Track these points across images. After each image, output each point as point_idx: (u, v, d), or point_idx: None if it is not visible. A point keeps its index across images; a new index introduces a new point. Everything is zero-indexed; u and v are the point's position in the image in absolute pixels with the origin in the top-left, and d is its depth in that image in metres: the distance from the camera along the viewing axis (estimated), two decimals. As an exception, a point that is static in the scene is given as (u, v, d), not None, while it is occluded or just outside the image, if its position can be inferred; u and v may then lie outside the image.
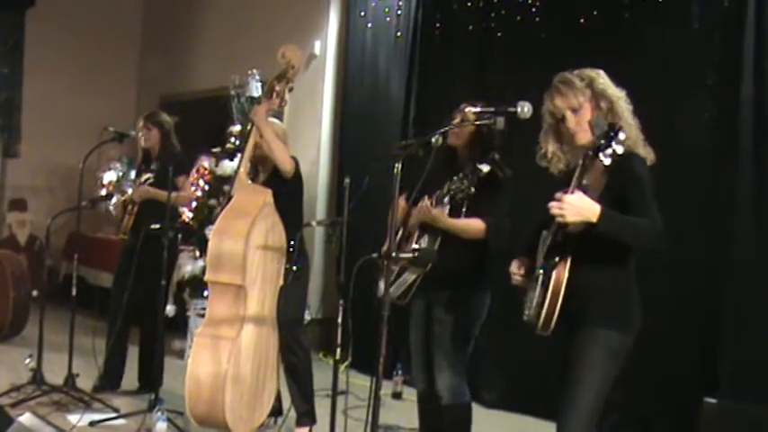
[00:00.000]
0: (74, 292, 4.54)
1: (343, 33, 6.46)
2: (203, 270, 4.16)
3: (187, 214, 5.84)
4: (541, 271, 2.50)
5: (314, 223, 4.78)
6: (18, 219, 7.75)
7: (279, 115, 4.70)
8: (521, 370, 4.80)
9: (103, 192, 6.28)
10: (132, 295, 4.41)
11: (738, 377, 3.95)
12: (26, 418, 3.14)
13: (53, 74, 7.87)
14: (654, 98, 4.16)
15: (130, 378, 4.74)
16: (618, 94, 2.55)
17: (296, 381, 3.86)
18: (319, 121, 6.51)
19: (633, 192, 2.42)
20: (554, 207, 2.35)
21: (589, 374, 2.44)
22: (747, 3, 4.07)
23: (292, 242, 3.67)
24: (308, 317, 4.57)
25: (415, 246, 3.17)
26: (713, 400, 3.87)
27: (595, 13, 4.71)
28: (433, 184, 3.14)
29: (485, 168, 2.97)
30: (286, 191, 3.76)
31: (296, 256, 3.70)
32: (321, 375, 4.15)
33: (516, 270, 2.71)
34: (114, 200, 4.98)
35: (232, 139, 5.85)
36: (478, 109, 2.96)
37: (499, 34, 5.24)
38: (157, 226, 4.16)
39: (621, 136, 2.31)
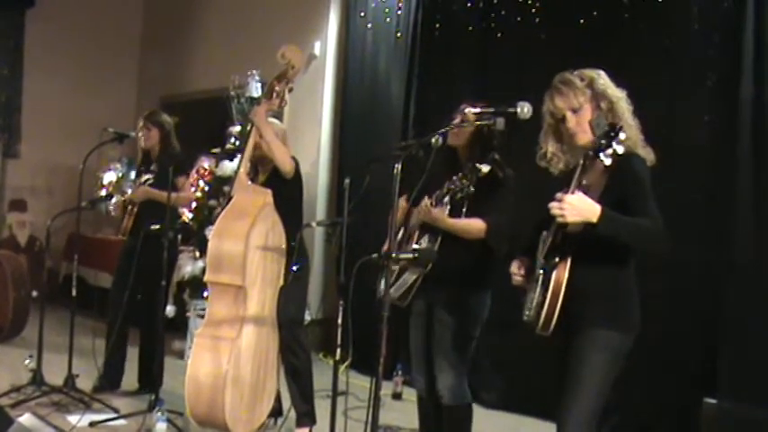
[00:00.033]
0: (74, 292, 4.54)
1: (343, 34, 6.46)
2: (203, 271, 4.16)
3: (187, 215, 5.84)
4: (541, 271, 2.50)
5: (314, 224, 4.78)
6: (18, 219, 7.74)
7: (279, 116, 4.70)
8: (520, 370, 4.80)
9: (103, 192, 6.27)
10: (132, 296, 4.41)
11: (738, 377, 3.95)
12: (26, 419, 3.13)
13: (53, 74, 7.87)
14: (654, 98, 4.16)
15: (130, 379, 4.74)
16: (618, 95, 2.55)
17: (296, 381, 3.86)
18: (319, 121, 6.51)
19: (633, 192, 2.42)
20: (554, 207, 2.35)
21: (589, 375, 2.44)
22: (747, 3, 4.07)
23: (292, 243, 3.67)
24: (308, 317, 4.57)
25: (415, 246, 3.17)
26: (713, 401, 3.87)
27: (595, 13, 4.71)
28: (434, 184, 3.14)
29: (484, 168, 2.97)
30: (286, 191, 3.76)
31: (296, 256, 3.69)
32: (321, 376, 4.15)
33: (516, 270, 2.70)
34: (114, 200, 4.97)
35: (232, 140, 5.85)
36: (478, 109, 2.95)
37: (499, 35, 5.24)
38: (157, 227, 4.16)
39: (622, 136, 2.31)
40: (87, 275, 7.07)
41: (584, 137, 2.52)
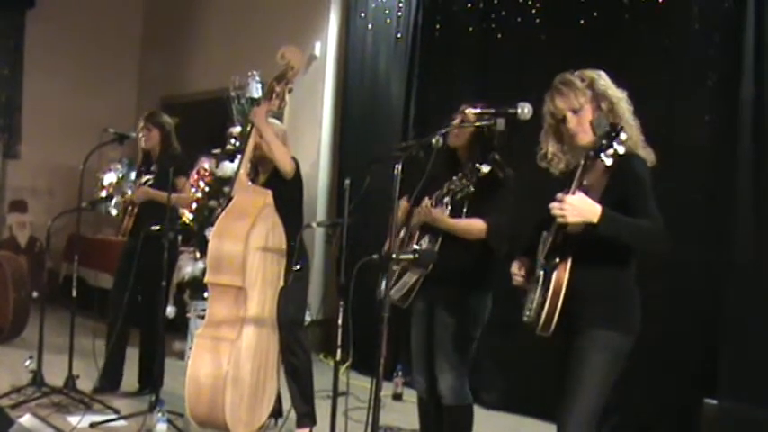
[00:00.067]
0: (74, 293, 4.54)
1: (343, 35, 6.46)
2: (203, 271, 4.16)
3: (187, 216, 5.84)
4: (542, 272, 2.50)
5: (314, 224, 4.78)
6: (18, 220, 7.74)
7: (279, 116, 4.70)
8: (521, 371, 4.80)
9: (104, 193, 6.29)
10: (132, 297, 4.41)
11: (738, 377, 3.95)
12: (26, 420, 3.13)
13: (53, 74, 7.87)
14: (654, 99, 4.16)
15: (131, 379, 4.74)
16: (619, 95, 2.55)
17: (296, 382, 3.86)
18: (319, 122, 6.52)
19: (634, 193, 2.41)
20: (555, 208, 2.35)
21: (589, 375, 2.44)
22: (748, 3, 4.07)
23: (293, 243, 3.67)
24: (308, 318, 4.57)
25: (415, 246, 3.17)
26: (713, 401, 3.87)
27: (595, 14, 4.71)
28: (434, 185, 3.14)
29: (485, 168, 2.97)
30: (286, 192, 3.76)
31: (296, 257, 3.69)
32: (321, 376, 4.15)
33: (517, 271, 2.70)
34: (114, 201, 4.97)
35: (232, 141, 5.85)
36: (478, 110, 2.95)
37: (499, 35, 5.24)
38: (157, 227, 4.16)
39: (623, 136, 2.31)
40: (87, 276, 7.07)
41: (585, 137, 2.52)
